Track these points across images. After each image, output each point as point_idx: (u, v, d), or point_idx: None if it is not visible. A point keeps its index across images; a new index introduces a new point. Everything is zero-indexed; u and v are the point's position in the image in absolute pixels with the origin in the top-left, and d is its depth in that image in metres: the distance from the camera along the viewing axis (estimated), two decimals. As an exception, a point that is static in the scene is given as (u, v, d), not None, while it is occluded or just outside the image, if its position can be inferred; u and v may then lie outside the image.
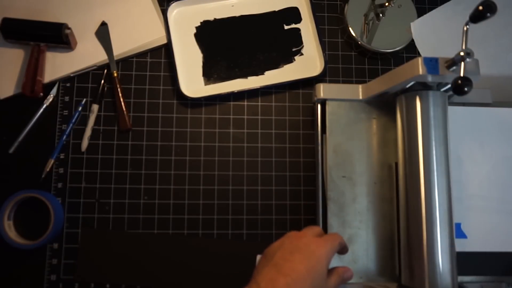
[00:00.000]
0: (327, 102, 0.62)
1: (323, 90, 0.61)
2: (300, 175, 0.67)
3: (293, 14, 0.72)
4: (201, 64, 0.69)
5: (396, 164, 0.59)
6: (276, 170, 0.67)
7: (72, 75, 0.68)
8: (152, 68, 0.69)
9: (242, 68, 0.69)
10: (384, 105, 0.62)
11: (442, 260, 0.51)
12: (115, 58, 0.68)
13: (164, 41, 0.69)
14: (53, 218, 0.61)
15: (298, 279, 0.45)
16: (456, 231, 0.55)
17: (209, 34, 0.70)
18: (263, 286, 0.44)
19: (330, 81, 0.70)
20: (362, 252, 0.58)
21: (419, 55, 0.72)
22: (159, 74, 0.69)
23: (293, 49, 0.71)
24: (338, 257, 0.57)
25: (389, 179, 0.60)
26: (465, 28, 0.49)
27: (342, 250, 0.51)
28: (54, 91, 0.67)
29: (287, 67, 0.70)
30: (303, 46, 0.71)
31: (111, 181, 0.65)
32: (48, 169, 0.64)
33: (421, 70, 0.50)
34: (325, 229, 0.59)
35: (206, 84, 0.68)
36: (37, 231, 0.62)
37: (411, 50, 0.72)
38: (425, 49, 0.72)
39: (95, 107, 0.66)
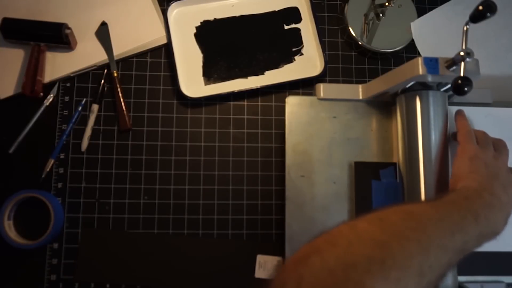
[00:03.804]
0: (286, 101, 0.62)
1: (323, 90, 0.61)
2: (300, 175, 0.67)
3: (293, 14, 0.72)
4: (201, 64, 0.69)
5: (355, 163, 0.59)
6: (275, 170, 0.67)
7: (72, 75, 0.68)
8: (152, 68, 0.69)
9: (242, 68, 0.69)
10: (344, 104, 0.62)
11: (442, 260, 0.51)
12: (115, 58, 0.68)
13: (164, 41, 0.69)
14: (53, 218, 0.61)
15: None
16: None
17: (209, 34, 0.70)
18: (503, 203, 0.46)
19: (330, 81, 0.70)
20: None
21: (419, 55, 0.72)
22: (159, 74, 0.69)
23: (293, 49, 0.71)
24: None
25: (349, 179, 0.60)
26: (465, 28, 0.49)
27: None
28: (54, 91, 0.67)
29: (287, 67, 0.70)
30: (303, 46, 0.71)
31: (111, 181, 0.65)
32: (48, 169, 0.64)
33: (421, 70, 0.50)
34: (282, 228, 0.59)
35: (206, 84, 0.68)
36: (37, 231, 0.62)
37: (411, 50, 0.72)
38: (425, 49, 0.72)
39: (95, 107, 0.66)
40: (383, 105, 0.62)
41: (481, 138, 0.54)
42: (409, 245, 0.35)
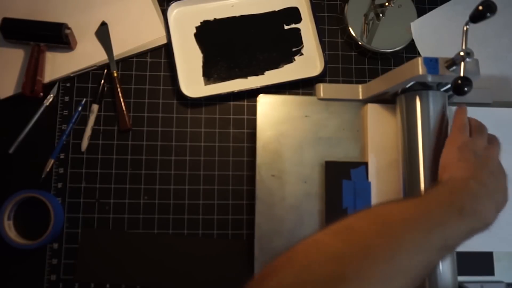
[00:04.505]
0: (257, 99, 0.61)
1: (323, 90, 0.61)
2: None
3: (293, 14, 0.72)
4: (201, 64, 0.69)
5: (326, 162, 0.59)
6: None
7: (72, 75, 0.68)
8: (152, 68, 0.69)
9: (242, 68, 0.69)
10: (316, 103, 0.61)
11: (442, 260, 0.51)
12: (115, 58, 0.68)
13: (164, 41, 0.69)
14: (53, 218, 0.61)
15: (504, 201, 0.46)
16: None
17: (209, 34, 0.70)
18: (491, 193, 0.44)
19: (330, 81, 0.70)
20: None
21: (419, 55, 0.72)
22: (159, 74, 0.69)
23: (293, 49, 0.71)
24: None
25: (320, 178, 0.59)
26: (465, 28, 0.49)
27: None
28: (54, 91, 0.67)
29: (287, 67, 0.70)
30: (303, 46, 0.71)
31: (111, 181, 0.65)
32: (48, 169, 0.64)
33: (421, 70, 0.50)
34: (252, 228, 0.58)
35: (206, 84, 0.68)
36: (37, 231, 0.62)
37: (411, 50, 0.72)
38: (425, 49, 0.72)
39: (95, 107, 0.66)
40: (356, 104, 0.62)
41: (475, 127, 0.53)
42: (375, 253, 0.35)
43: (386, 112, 0.61)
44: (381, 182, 0.59)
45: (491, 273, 0.58)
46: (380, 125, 0.60)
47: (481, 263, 0.58)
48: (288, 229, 0.57)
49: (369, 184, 0.58)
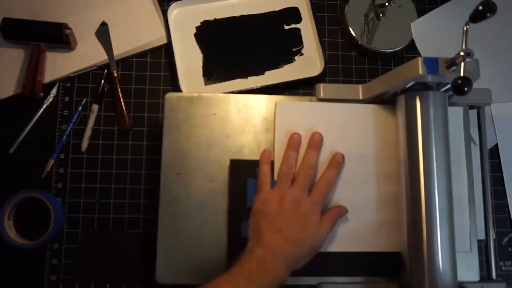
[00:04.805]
0: (165, 97, 0.60)
1: (323, 90, 0.61)
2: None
3: (293, 14, 0.72)
4: (201, 64, 0.69)
5: (231, 161, 0.58)
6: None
7: (72, 75, 0.68)
8: (152, 68, 0.69)
9: (242, 68, 0.69)
10: (225, 101, 0.60)
11: (442, 260, 0.51)
12: (115, 58, 0.68)
13: (164, 41, 0.69)
14: (53, 218, 0.61)
15: (302, 247, 0.52)
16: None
17: (209, 34, 0.70)
18: (276, 252, 0.50)
19: (330, 81, 0.70)
20: (196, 252, 0.56)
21: (419, 55, 0.72)
22: (159, 74, 0.69)
23: (293, 49, 0.71)
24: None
25: (226, 176, 0.58)
26: (465, 28, 0.49)
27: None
28: (54, 91, 0.67)
29: (287, 67, 0.70)
30: (303, 46, 0.71)
31: (111, 181, 0.65)
32: (48, 169, 0.64)
33: (421, 70, 0.50)
34: (157, 228, 0.57)
35: (206, 84, 0.68)
36: (37, 231, 0.62)
37: (411, 50, 0.72)
38: (425, 49, 0.72)
39: (95, 107, 0.66)
40: (265, 102, 0.61)
41: (280, 177, 0.56)
42: None
43: (295, 109, 0.60)
44: None
45: (399, 274, 0.56)
46: (288, 123, 0.59)
47: (389, 264, 0.57)
48: (193, 228, 0.57)
49: (274, 183, 0.57)
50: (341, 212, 0.57)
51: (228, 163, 0.58)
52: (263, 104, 0.61)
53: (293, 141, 0.58)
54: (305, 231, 0.52)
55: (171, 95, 0.60)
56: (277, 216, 0.52)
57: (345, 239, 0.57)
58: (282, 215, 0.52)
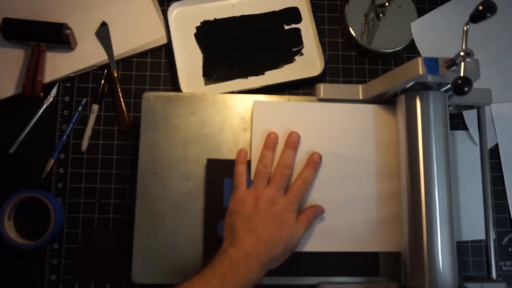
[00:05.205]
0: (142, 97, 0.60)
1: (323, 90, 0.61)
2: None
3: (293, 14, 0.72)
4: (201, 64, 0.69)
5: (208, 160, 0.58)
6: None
7: (72, 75, 0.68)
8: (152, 68, 0.69)
9: (242, 68, 0.69)
10: (203, 100, 0.60)
11: (442, 260, 0.51)
12: (115, 58, 0.68)
13: (164, 41, 0.69)
14: (53, 218, 0.61)
15: (276, 247, 0.51)
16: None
17: (209, 34, 0.70)
18: (249, 252, 0.49)
19: (330, 81, 0.70)
20: (173, 251, 0.56)
21: (419, 55, 0.72)
22: (159, 74, 0.69)
23: (293, 49, 0.71)
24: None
25: (203, 176, 0.58)
26: (465, 28, 0.49)
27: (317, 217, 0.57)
28: (54, 91, 0.67)
29: (287, 67, 0.70)
30: (303, 46, 0.71)
31: (111, 181, 0.65)
32: (48, 169, 0.64)
33: (421, 70, 0.50)
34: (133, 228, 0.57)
35: (206, 84, 0.68)
36: (37, 231, 0.62)
37: (411, 50, 0.72)
38: (425, 49, 0.72)
39: (95, 107, 0.66)
40: (244, 101, 0.60)
41: (256, 176, 0.56)
42: None
43: (273, 108, 0.60)
44: None
45: (376, 273, 0.57)
46: (265, 122, 0.59)
47: (367, 263, 0.57)
48: (169, 227, 0.57)
49: (251, 182, 0.56)
50: (318, 212, 0.56)
51: (205, 162, 0.58)
52: (241, 103, 0.60)
53: (270, 141, 0.57)
54: (280, 231, 0.52)
55: (148, 94, 0.60)
56: (252, 216, 0.52)
57: (323, 239, 0.57)
58: (257, 215, 0.52)
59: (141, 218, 0.57)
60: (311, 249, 0.56)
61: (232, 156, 0.58)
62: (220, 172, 0.58)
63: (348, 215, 0.57)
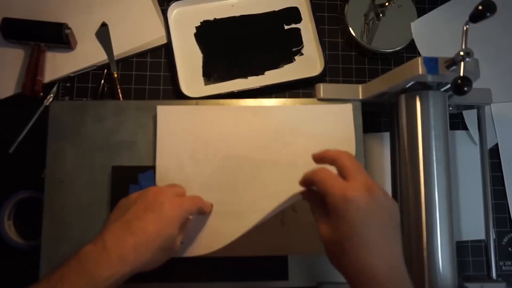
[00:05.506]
0: (49, 106, 0.59)
1: (323, 90, 0.61)
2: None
3: (293, 14, 0.72)
4: (201, 64, 0.69)
5: (113, 167, 0.57)
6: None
7: (72, 75, 0.68)
8: (152, 68, 0.69)
9: (242, 68, 0.69)
10: (109, 108, 0.59)
11: (442, 260, 0.51)
12: (115, 58, 0.68)
13: (164, 41, 0.69)
14: (53, 218, 0.61)
15: (147, 240, 0.44)
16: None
17: (209, 34, 0.70)
18: (109, 245, 0.43)
19: (330, 81, 0.70)
20: None
21: (419, 55, 0.72)
22: (159, 74, 0.69)
23: (293, 49, 0.71)
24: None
25: (108, 183, 0.57)
26: (465, 28, 0.49)
27: (202, 211, 0.53)
28: (54, 91, 0.67)
29: (287, 67, 0.70)
30: (303, 46, 0.71)
31: (111, 181, 0.65)
32: (48, 169, 0.64)
33: (421, 70, 0.50)
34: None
35: (206, 84, 0.68)
36: (37, 231, 0.62)
37: (411, 50, 0.72)
38: (425, 49, 0.72)
39: (95, 107, 0.66)
40: (150, 107, 0.59)
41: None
42: None
43: (177, 113, 0.59)
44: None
45: (285, 277, 0.56)
46: (170, 127, 0.58)
47: (275, 267, 0.56)
48: (77, 236, 0.56)
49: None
50: (198, 204, 0.52)
51: (109, 171, 0.58)
52: (148, 110, 0.59)
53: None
54: (154, 222, 0.46)
55: (54, 103, 0.60)
56: (129, 206, 0.48)
57: (229, 243, 0.53)
58: (134, 204, 0.47)
59: (48, 227, 0.56)
60: (218, 255, 0.53)
61: (139, 162, 0.58)
62: (125, 179, 0.57)
63: (254, 218, 0.52)
